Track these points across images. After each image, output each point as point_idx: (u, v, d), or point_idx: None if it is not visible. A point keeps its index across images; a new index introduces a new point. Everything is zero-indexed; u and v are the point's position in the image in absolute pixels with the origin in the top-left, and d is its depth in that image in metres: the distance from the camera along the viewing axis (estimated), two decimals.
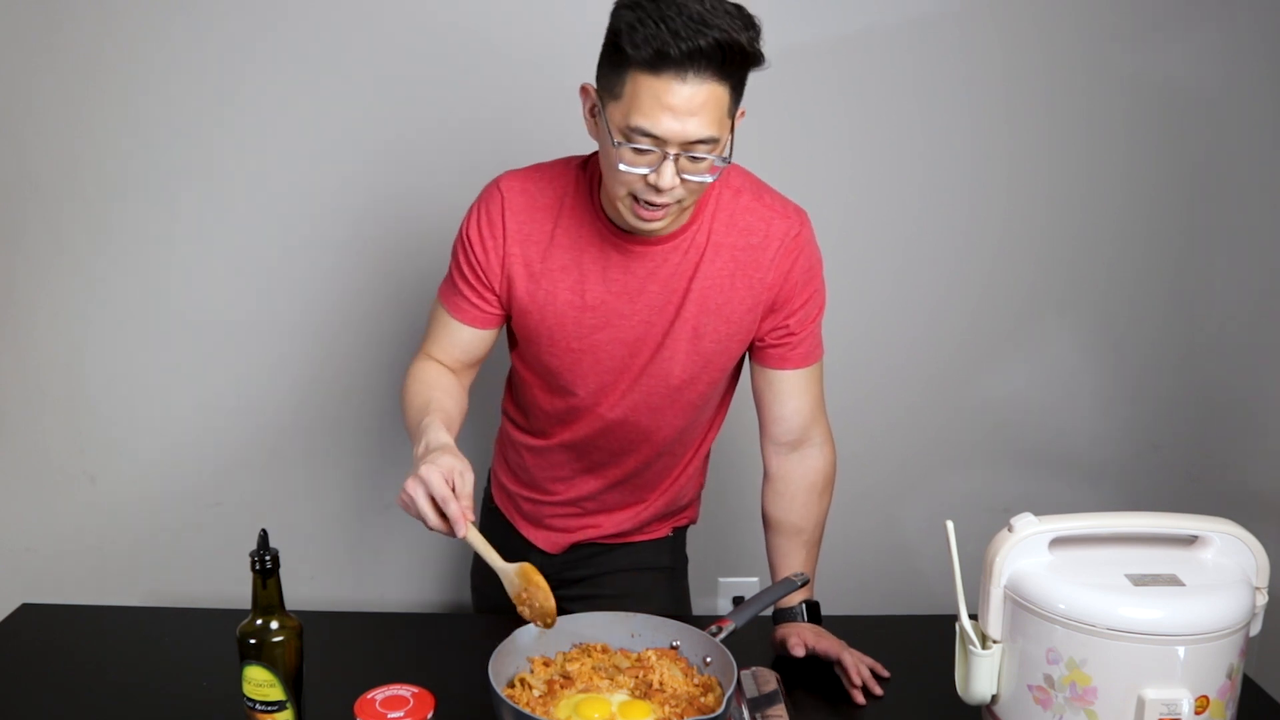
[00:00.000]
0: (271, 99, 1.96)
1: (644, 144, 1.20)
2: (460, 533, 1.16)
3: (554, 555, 1.59)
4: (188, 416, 2.10)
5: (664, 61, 1.16)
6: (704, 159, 1.22)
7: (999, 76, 2.02)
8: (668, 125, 1.18)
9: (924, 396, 2.16)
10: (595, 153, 1.36)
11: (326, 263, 2.04)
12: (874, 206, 2.07)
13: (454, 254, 1.43)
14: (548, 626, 1.20)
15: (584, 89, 1.30)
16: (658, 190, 1.23)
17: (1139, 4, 1.99)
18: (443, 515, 1.17)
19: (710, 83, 1.18)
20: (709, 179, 1.25)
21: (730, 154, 1.26)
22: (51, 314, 2.05)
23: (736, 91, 1.23)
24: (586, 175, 1.38)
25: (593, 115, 1.29)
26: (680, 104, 1.18)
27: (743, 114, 1.29)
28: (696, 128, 1.19)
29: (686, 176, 1.23)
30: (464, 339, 1.44)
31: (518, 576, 1.20)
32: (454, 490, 1.17)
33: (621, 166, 1.22)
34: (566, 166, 1.40)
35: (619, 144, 1.22)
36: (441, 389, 1.39)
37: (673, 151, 1.20)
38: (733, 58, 1.18)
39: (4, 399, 2.08)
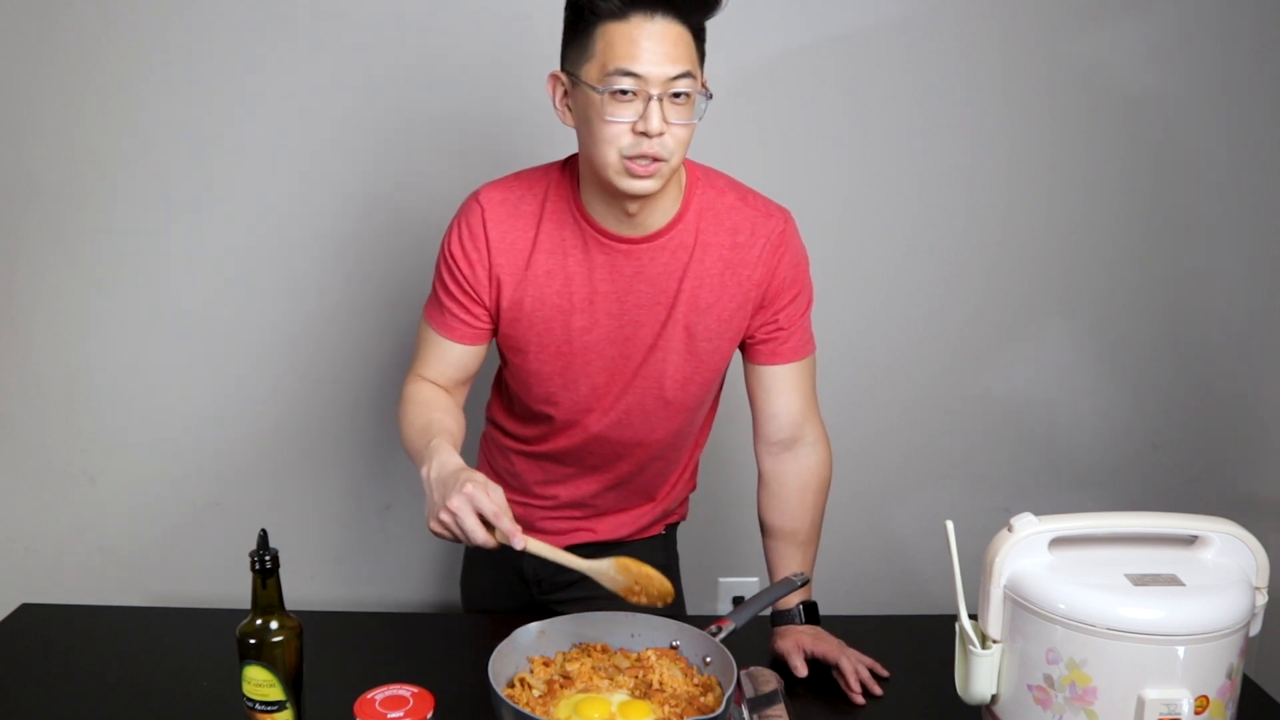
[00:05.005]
0: (272, 98, 1.96)
1: (626, 84, 1.22)
2: (520, 545, 1.17)
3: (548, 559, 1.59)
4: (188, 416, 2.10)
5: (632, 5, 1.21)
6: (685, 96, 1.24)
7: (998, 76, 2.02)
8: (646, 62, 1.21)
9: (923, 396, 2.16)
10: (574, 155, 1.36)
11: (326, 263, 2.04)
12: (872, 206, 2.07)
13: (438, 272, 1.42)
14: (669, 604, 1.20)
15: (552, 76, 1.32)
16: (647, 137, 1.23)
17: (1135, 4, 1.99)
18: (490, 529, 1.17)
19: (674, 23, 1.23)
20: (693, 123, 1.26)
21: (709, 98, 1.29)
22: (51, 314, 2.05)
23: (699, 44, 1.27)
24: (567, 177, 1.38)
25: (564, 102, 1.31)
26: (653, 42, 1.22)
27: (704, 84, 1.31)
28: (673, 63, 1.22)
29: (672, 121, 1.24)
30: (455, 356, 1.43)
31: (619, 573, 1.20)
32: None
33: (608, 117, 1.24)
34: (546, 171, 1.41)
35: (602, 92, 1.23)
36: (441, 409, 1.39)
37: (655, 91, 1.22)
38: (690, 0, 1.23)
39: (4, 399, 2.08)
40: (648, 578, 1.19)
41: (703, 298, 1.39)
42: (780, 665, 1.38)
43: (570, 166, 1.39)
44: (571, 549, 1.57)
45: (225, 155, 1.99)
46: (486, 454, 1.64)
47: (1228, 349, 2.16)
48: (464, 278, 1.39)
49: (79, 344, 2.06)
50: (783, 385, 1.46)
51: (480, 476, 1.19)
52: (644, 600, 1.20)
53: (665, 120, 1.23)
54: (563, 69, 1.30)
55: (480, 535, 1.17)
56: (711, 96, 1.28)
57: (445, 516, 1.17)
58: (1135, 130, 2.05)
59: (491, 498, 1.17)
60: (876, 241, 2.09)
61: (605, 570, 1.21)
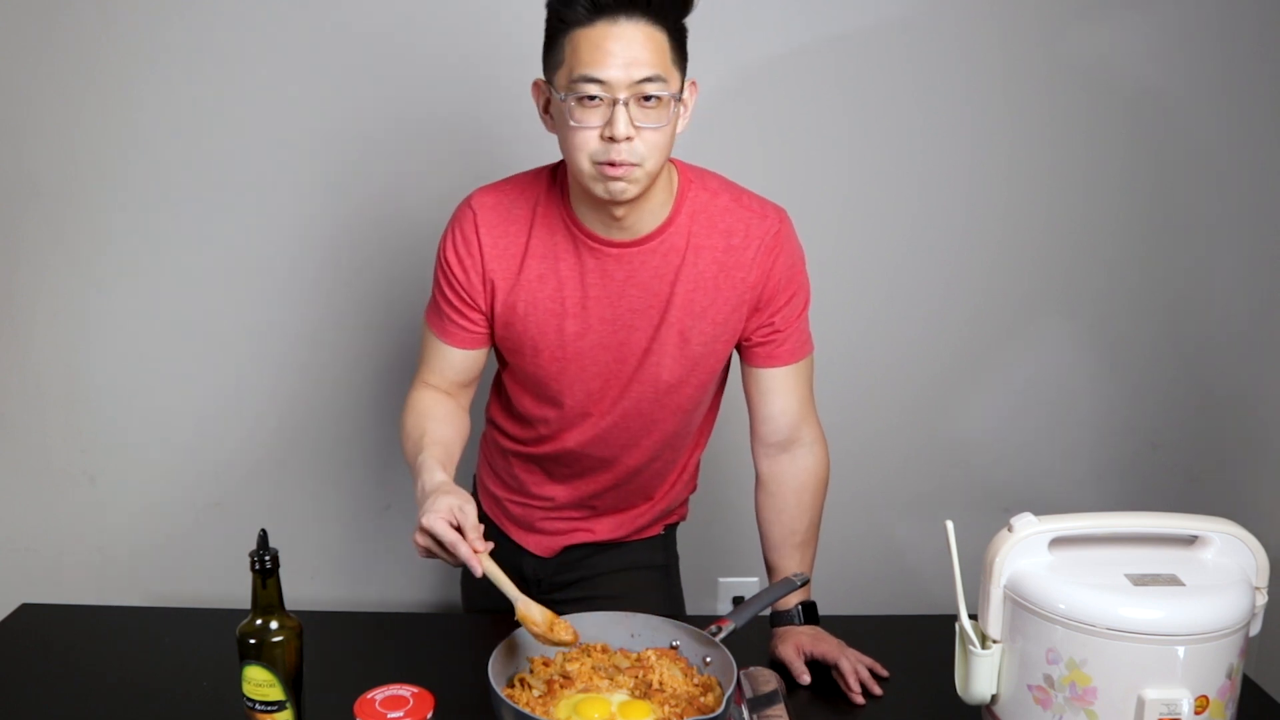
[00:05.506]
0: (273, 99, 1.96)
1: (591, 90, 1.22)
2: (477, 573, 1.18)
3: (547, 559, 1.59)
4: (188, 416, 2.10)
5: (597, 10, 1.21)
6: (655, 99, 1.23)
7: (998, 76, 2.01)
8: (610, 67, 1.21)
9: (923, 396, 2.16)
10: (564, 160, 1.36)
11: (326, 264, 2.04)
12: (872, 206, 2.07)
13: (435, 278, 1.43)
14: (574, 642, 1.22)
15: (535, 85, 1.32)
16: (614, 141, 1.23)
17: (1135, 3, 1.99)
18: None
19: (645, 25, 1.22)
20: (664, 126, 1.25)
21: (687, 112, 1.29)
22: (51, 314, 2.05)
23: (676, 41, 1.26)
24: (558, 183, 1.38)
25: (547, 110, 1.31)
26: (618, 46, 1.21)
27: (695, 86, 1.31)
28: (638, 67, 1.21)
29: (641, 124, 1.23)
30: (456, 361, 1.44)
31: (542, 626, 1.20)
32: (460, 528, 1.18)
33: (573, 123, 1.24)
34: (537, 176, 1.41)
35: (566, 98, 1.23)
36: (436, 418, 1.40)
37: (621, 96, 1.22)
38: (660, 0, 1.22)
39: (4, 399, 2.08)
40: (554, 635, 1.20)
41: (697, 301, 1.38)
42: (780, 665, 1.38)
43: (561, 171, 1.39)
44: (570, 549, 1.58)
45: (225, 156, 1.99)
46: (486, 454, 1.64)
47: (1228, 349, 2.16)
48: (459, 284, 1.39)
49: (79, 344, 2.06)
50: (779, 387, 1.46)
51: (444, 501, 1.19)
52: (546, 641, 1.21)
53: (634, 125, 1.23)
54: (543, 77, 1.30)
55: (452, 562, 1.20)
56: (680, 99, 1.27)
57: (418, 548, 1.21)
58: (1135, 129, 2.05)
59: (461, 519, 1.18)
60: (876, 241, 2.08)
61: (532, 614, 1.20)
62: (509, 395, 1.52)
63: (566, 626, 1.21)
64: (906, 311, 2.12)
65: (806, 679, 1.35)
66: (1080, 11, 1.99)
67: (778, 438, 1.48)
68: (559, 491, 1.55)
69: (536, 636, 1.20)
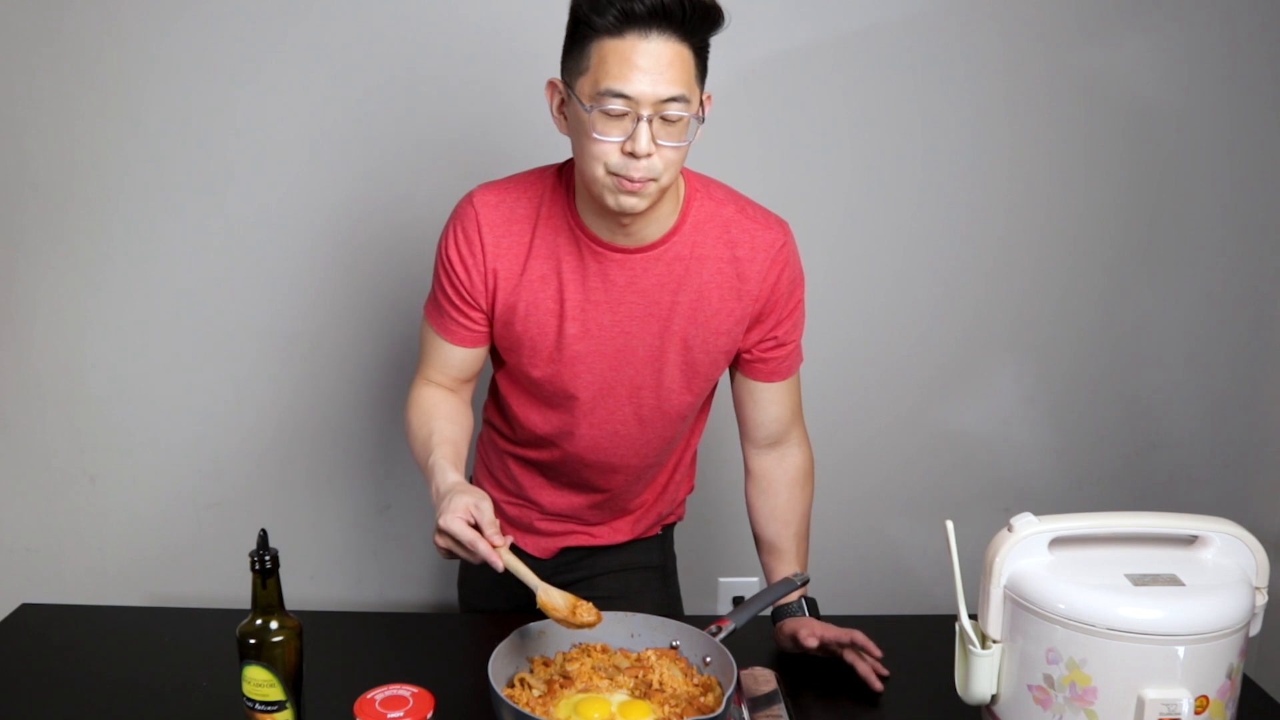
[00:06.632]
0: (273, 98, 1.96)
1: (616, 105, 1.20)
2: (499, 568, 1.18)
3: (544, 560, 1.59)
4: (188, 416, 2.10)
5: (628, 21, 1.18)
6: (677, 119, 1.22)
7: (999, 80, 2.01)
8: (637, 82, 1.19)
9: (924, 396, 2.16)
10: (570, 160, 1.36)
11: (326, 263, 2.04)
12: (873, 206, 2.07)
13: (435, 275, 1.42)
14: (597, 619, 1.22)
15: (550, 84, 1.31)
16: (634, 157, 1.22)
17: (1138, 16, 1.99)
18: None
19: (674, 41, 1.20)
20: (684, 144, 1.24)
21: (702, 122, 1.27)
22: (51, 314, 2.05)
23: (700, 58, 1.25)
24: (563, 183, 1.38)
25: (560, 110, 1.30)
26: (647, 61, 1.19)
27: (710, 99, 1.30)
28: (665, 84, 1.20)
29: (662, 142, 1.22)
30: (457, 359, 1.44)
31: (565, 612, 1.20)
32: (478, 525, 1.18)
33: (596, 135, 1.22)
34: (543, 175, 1.40)
35: (591, 109, 1.21)
36: (442, 416, 1.40)
37: (645, 113, 1.20)
38: (694, 15, 1.20)
39: (4, 399, 2.08)
40: (582, 612, 1.20)
41: (702, 310, 1.38)
42: (781, 664, 1.38)
43: (566, 172, 1.38)
44: (568, 550, 1.58)
45: (226, 155, 1.99)
46: (483, 456, 1.63)
47: (1228, 349, 2.16)
48: (461, 283, 1.38)
49: (79, 344, 2.06)
50: (773, 399, 1.48)
51: (460, 501, 1.19)
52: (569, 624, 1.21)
53: (655, 141, 1.22)
54: (561, 78, 1.29)
55: (475, 560, 1.20)
56: (704, 121, 1.27)
57: (439, 550, 1.21)
58: (1135, 131, 2.05)
59: (478, 516, 1.18)
60: (877, 241, 2.08)
61: (553, 601, 1.20)
62: (507, 401, 1.51)
63: (589, 608, 1.20)
64: (907, 311, 2.12)
65: (814, 643, 1.36)
66: (1082, 20, 1.99)
67: (768, 441, 1.51)
68: (556, 493, 1.55)
69: (560, 622, 1.20)
